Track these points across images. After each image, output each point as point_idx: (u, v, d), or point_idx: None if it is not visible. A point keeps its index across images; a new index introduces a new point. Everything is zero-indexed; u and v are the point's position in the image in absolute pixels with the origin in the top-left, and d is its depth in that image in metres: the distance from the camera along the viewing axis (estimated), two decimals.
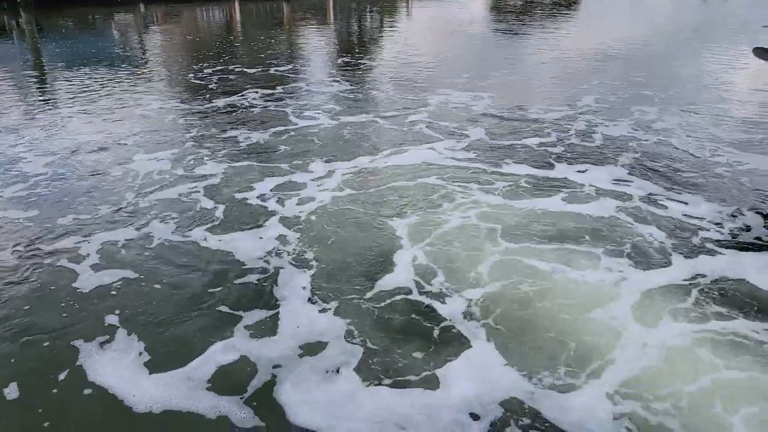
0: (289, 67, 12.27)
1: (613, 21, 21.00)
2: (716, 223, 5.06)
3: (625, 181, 5.98)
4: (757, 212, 5.22)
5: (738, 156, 6.66)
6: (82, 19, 22.07)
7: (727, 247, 4.67)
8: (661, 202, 5.47)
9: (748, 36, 14.38)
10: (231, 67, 12.23)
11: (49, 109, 8.98)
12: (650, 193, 5.66)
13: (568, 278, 4.25)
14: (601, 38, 15.65)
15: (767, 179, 6.00)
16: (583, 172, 6.23)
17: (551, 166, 6.38)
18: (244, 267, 4.40)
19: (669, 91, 9.69)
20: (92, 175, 6.31)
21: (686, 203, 5.44)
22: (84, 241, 4.81)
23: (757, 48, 10.45)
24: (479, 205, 5.43)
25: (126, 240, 4.82)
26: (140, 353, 3.46)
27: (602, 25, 19.72)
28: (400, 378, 3.27)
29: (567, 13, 23.72)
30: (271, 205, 5.49)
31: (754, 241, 4.77)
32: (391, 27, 20.05)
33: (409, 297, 4.02)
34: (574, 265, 4.40)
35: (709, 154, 6.71)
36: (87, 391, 3.16)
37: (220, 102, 9.39)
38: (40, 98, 9.73)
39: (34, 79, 11.40)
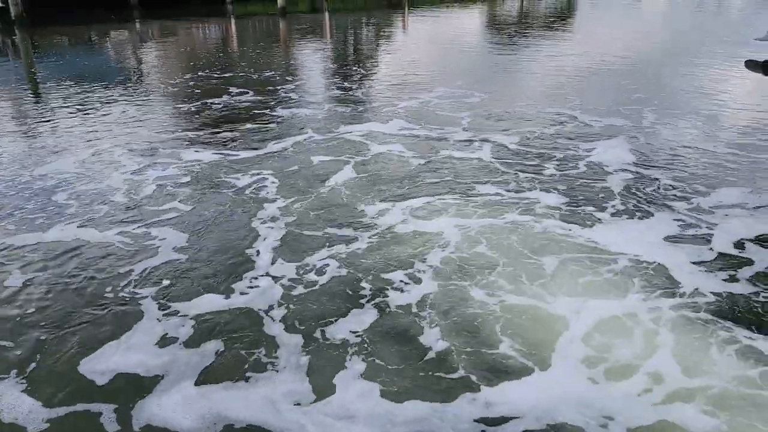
0: (289, 84, 12.31)
1: (606, 32, 21.14)
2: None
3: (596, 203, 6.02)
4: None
5: (722, 168, 6.73)
6: (77, 37, 22.19)
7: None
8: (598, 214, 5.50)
9: (740, 48, 14.47)
10: (229, 87, 12.26)
11: (41, 122, 9.04)
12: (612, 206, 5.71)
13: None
14: (595, 50, 15.76)
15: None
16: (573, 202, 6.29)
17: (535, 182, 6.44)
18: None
19: (660, 103, 9.74)
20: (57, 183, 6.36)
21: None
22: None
23: (748, 61, 10.51)
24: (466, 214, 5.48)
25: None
26: None
27: (595, 36, 19.85)
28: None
29: (561, 26, 23.89)
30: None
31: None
32: (387, 42, 20.18)
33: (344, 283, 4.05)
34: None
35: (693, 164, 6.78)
36: None
37: (218, 123, 9.43)
38: (35, 111, 9.78)
39: (30, 95, 11.47)
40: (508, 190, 6.34)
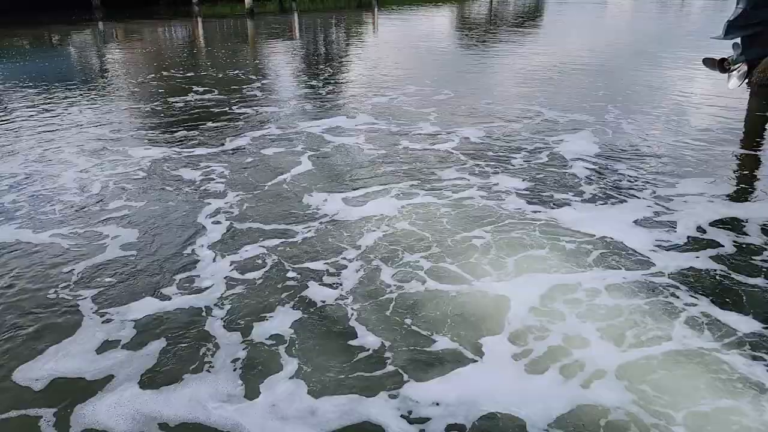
0: (255, 83, 12.10)
1: (572, 33, 21.40)
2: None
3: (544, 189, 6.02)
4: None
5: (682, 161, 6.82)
6: (38, 39, 21.57)
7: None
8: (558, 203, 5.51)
9: (700, 47, 14.76)
10: (192, 86, 12.01)
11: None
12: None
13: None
14: (561, 50, 15.92)
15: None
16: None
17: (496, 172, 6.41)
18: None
19: (624, 100, 9.84)
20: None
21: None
22: None
23: (706, 58, 10.65)
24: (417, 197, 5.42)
25: None
26: None
27: (562, 36, 20.07)
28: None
29: (529, 27, 24.10)
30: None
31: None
32: (356, 42, 20.08)
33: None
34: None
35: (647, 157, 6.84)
36: None
37: (178, 122, 9.20)
38: None
39: None
40: (470, 176, 6.33)
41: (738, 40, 10.58)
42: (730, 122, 8.39)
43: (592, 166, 6.63)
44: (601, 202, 5.64)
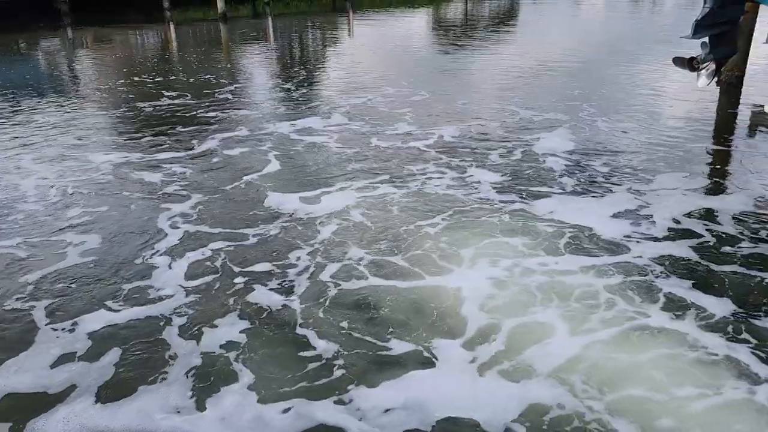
0: (227, 87, 11.90)
1: (546, 33, 21.57)
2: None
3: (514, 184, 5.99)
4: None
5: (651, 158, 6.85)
6: (3, 46, 21.04)
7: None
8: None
9: (671, 46, 14.95)
10: (163, 91, 11.77)
11: None
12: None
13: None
14: (536, 50, 16.00)
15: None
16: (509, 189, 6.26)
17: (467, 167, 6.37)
18: None
19: (598, 99, 9.88)
20: None
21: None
22: None
23: (676, 57, 10.76)
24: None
25: None
26: None
27: (536, 37, 20.21)
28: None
29: (504, 28, 24.25)
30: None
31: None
32: (331, 45, 19.97)
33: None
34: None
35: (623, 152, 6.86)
36: None
37: (146, 127, 8.99)
38: None
39: None
40: (444, 172, 6.31)
41: (706, 39, 10.71)
42: (700, 119, 8.46)
43: (568, 162, 6.61)
44: (577, 195, 5.65)
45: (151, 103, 10.39)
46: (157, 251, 4.72)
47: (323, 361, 3.34)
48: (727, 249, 4.57)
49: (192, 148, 7.54)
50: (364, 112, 9.25)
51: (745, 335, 3.48)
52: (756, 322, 3.62)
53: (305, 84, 12.10)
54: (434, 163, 6.66)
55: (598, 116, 8.69)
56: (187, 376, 3.26)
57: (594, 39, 19.66)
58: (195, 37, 24.26)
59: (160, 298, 4.04)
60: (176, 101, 10.50)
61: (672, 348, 3.38)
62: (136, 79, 12.97)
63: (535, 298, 3.86)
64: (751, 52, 10.14)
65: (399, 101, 10.02)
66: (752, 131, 8.00)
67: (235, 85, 12.02)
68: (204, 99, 10.61)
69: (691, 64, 10.66)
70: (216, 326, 3.71)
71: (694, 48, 10.39)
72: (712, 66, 10.29)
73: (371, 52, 17.30)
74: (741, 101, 9.39)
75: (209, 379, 3.24)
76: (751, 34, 9.83)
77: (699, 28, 10.64)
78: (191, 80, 12.67)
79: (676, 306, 3.80)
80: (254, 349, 3.47)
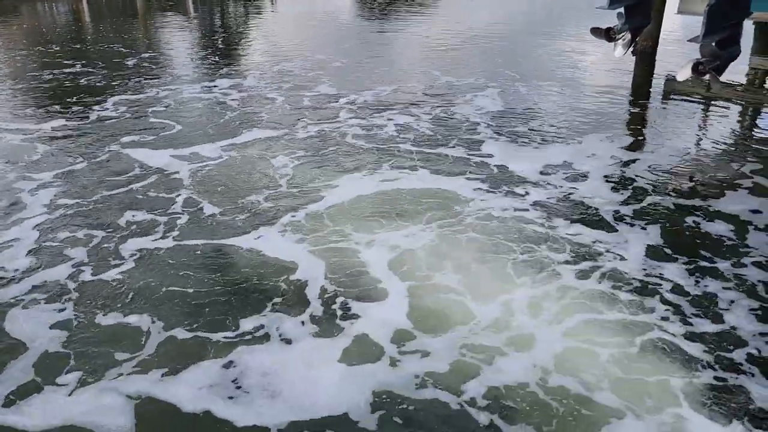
0: (144, 56, 11.25)
1: (471, 8, 21.73)
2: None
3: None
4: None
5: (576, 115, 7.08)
6: None
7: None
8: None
9: (592, 17, 15.42)
10: (80, 67, 10.99)
11: None
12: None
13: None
14: (463, 24, 16.09)
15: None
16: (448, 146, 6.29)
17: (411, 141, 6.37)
18: None
19: (520, 68, 10.02)
20: None
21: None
22: None
23: (593, 28, 11.05)
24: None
25: None
26: None
27: (462, 12, 20.33)
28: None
29: (431, 2, 24.22)
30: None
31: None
32: (255, 18, 19.29)
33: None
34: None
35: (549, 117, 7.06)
36: None
37: (34, 100, 8.37)
38: None
39: None
40: (357, 123, 6.25)
41: (621, 9, 11.09)
42: (619, 86, 8.77)
43: (493, 124, 6.68)
44: (506, 153, 5.73)
45: (53, 72, 9.67)
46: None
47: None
48: (643, 195, 4.87)
49: (87, 116, 7.09)
50: (279, 77, 9.02)
51: (626, 263, 3.71)
52: (658, 259, 3.85)
53: (222, 52, 11.64)
54: (346, 116, 6.61)
55: (520, 82, 8.81)
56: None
57: (516, 11, 20.00)
58: (109, 8, 22.78)
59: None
60: (81, 70, 9.82)
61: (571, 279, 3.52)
62: (40, 49, 12.04)
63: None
64: (663, 22, 10.58)
65: (318, 67, 9.83)
66: (666, 97, 8.38)
67: (148, 53, 11.38)
68: (112, 67, 9.99)
69: (608, 34, 10.97)
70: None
71: (611, 18, 10.67)
72: (628, 36, 10.69)
73: (294, 22, 16.86)
74: (655, 69, 9.81)
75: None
76: (664, 5, 10.24)
77: None
78: (101, 49, 11.91)
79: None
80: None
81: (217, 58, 10.92)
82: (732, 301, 3.43)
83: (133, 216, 4.47)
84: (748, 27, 9.90)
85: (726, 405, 2.71)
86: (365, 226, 4.29)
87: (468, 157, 5.60)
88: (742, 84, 8.66)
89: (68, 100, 7.91)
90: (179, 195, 4.78)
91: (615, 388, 2.79)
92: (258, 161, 5.37)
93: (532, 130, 6.54)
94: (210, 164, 5.36)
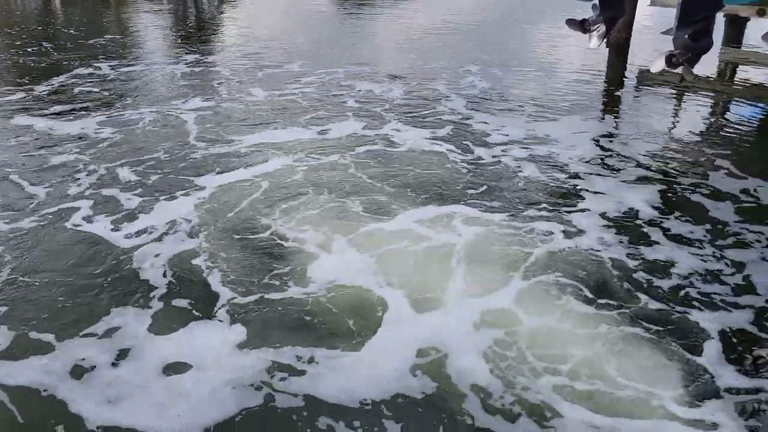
0: (121, 50, 11.04)
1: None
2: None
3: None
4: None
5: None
6: None
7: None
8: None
9: (564, 8, 15.60)
10: (53, 55, 10.78)
11: None
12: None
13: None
14: (438, 14, 16.11)
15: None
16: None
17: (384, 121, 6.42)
18: None
19: (499, 55, 10.14)
20: None
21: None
22: None
23: (568, 19, 11.15)
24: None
25: None
26: None
27: (446, 2, 20.36)
28: None
29: None
30: None
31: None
32: (230, 4, 19.05)
33: None
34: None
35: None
36: None
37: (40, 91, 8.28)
38: None
39: None
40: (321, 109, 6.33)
41: (596, 1, 11.24)
42: (593, 76, 8.92)
43: (469, 108, 6.78)
44: (484, 137, 5.82)
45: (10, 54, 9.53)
46: None
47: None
48: (613, 170, 5.19)
49: (49, 109, 6.98)
50: (244, 57, 9.02)
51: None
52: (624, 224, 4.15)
53: (191, 36, 11.55)
54: (299, 87, 6.70)
55: (498, 68, 8.95)
56: None
57: (493, 3, 20.09)
58: None
59: None
60: (47, 51, 9.65)
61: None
62: (6, 30, 11.78)
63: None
64: (636, 15, 10.75)
65: (293, 50, 9.86)
66: (638, 87, 8.57)
67: (116, 36, 11.22)
68: (79, 49, 9.84)
69: (583, 26, 11.12)
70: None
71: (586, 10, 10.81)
72: (603, 27, 10.85)
73: (269, 12, 16.71)
74: (628, 60, 10.00)
75: None
76: None
77: None
78: (69, 32, 11.67)
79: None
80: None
81: (185, 41, 10.83)
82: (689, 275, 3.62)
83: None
84: (719, 20, 10.11)
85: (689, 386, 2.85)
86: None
87: (428, 115, 5.73)
88: (713, 76, 8.90)
89: (31, 78, 7.83)
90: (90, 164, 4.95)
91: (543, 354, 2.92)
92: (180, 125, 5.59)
93: (506, 109, 6.70)
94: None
